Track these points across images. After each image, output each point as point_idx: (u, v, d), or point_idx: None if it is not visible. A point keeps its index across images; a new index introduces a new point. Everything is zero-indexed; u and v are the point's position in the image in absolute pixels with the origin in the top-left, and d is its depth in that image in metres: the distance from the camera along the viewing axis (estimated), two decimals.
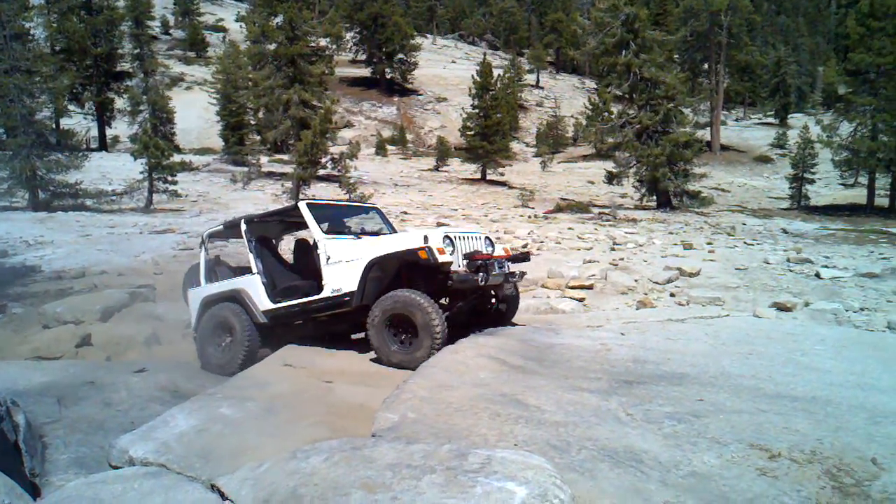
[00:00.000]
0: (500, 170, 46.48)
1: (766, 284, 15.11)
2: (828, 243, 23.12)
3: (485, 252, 8.36)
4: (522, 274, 8.93)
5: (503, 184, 45.33)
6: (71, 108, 42.95)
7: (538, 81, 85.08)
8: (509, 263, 8.55)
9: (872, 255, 19.62)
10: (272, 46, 40.51)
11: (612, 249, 19.55)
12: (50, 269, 16.76)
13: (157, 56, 59.68)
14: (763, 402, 5.33)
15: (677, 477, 4.07)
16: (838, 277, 15.40)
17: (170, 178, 30.26)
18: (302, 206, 8.79)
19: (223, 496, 3.69)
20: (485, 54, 55.07)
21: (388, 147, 58.06)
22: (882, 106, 34.92)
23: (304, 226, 10.80)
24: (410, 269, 7.95)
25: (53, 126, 31.18)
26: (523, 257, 9.01)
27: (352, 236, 8.82)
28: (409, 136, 64.19)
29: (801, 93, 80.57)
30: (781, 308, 12.77)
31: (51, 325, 11.74)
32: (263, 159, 42.24)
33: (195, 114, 55.45)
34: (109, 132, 50.56)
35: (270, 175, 40.16)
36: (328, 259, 8.23)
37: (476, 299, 8.79)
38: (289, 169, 37.78)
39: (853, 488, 3.97)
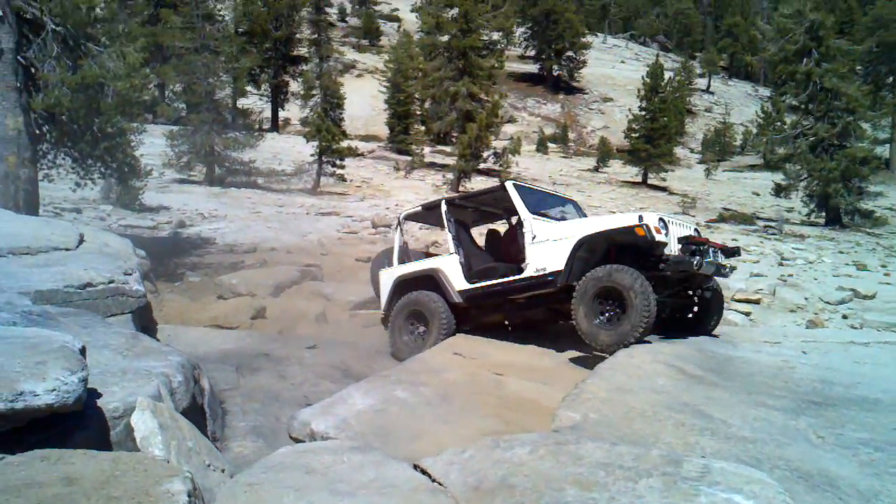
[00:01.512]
0: (662, 174, 45.47)
1: None
2: None
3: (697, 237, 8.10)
4: (733, 268, 8.57)
5: (664, 189, 44.36)
6: (248, 88, 44.66)
7: (709, 86, 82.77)
8: (722, 254, 8.27)
9: None
10: (445, 38, 40.87)
11: (780, 265, 18.86)
12: (223, 242, 17.54)
13: (333, 42, 61.26)
14: None
15: None
16: None
17: (338, 163, 31.09)
18: (509, 185, 8.80)
19: (431, 478, 3.71)
20: (657, 55, 54.02)
21: (550, 145, 57.75)
22: None
23: (497, 217, 10.91)
24: (621, 250, 7.74)
25: (230, 105, 32.43)
26: (734, 251, 8.60)
27: (554, 220, 8.75)
28: (571, 135, 63.59)
29: None
30: None
31: (226, 295, 12.28)
32: (426, 149, 42.80)
33: (364, 101, 56.66)
34: (282, 114, 52.30)
35: (432, 165, 40.66)
36: (533, 238, 8.14)
37: (679, 297, 8.53)
38: (450, 160, 38.12)
39: None
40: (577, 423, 4.85)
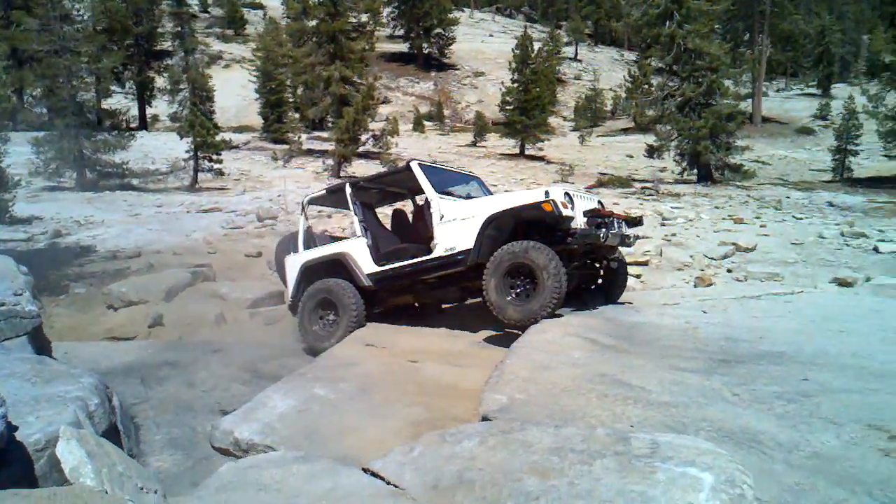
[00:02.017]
0: (539, 144, 46.08)
1: (824, 259, 14.93)
2: (878, 216, 22.77)
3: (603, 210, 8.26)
4: (637, 237, 8.79)
5: (542, 159, 44.97)
6: (113, 88, 43.25)
7: (576, 54, 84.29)
8: (626, 225, 8.43)
9: None
10: (313, 23, 40.35)
11: (662, 225, 19.37)
12: (104, 249, 16.94)
13: (197, 34, 59.81)
14: (871, 381, 5.26)
15: (801, 458, 4.03)
16: None
17: (215, 157, 30.40)
18: (414, 165, 8.79)
19: (386, 482, 3.68)
20: (525, 27, 54.53)
21: (426, 123, 57.84)
22: None
23: (401, 197, 10.89)
24: (528, 227, 7.81)
25: (94, 106, 31.27)
26: (638, 221, 8.86)
27: (460, 198, 8.78)
28: (446, 112, 63.83)
29: (845, 62, 79.06)
30: (842, 283, 12.60)
31: (116, 304, 11.88)
32: (303, 137, 42.27)
33: (234, 91, 55.55)
34: (149, 111, 50.79)
35: (310, 152, 40.17)
36: (441, 217, 8.16)
37: (585, 269, 8.68)
38: (328, 146, 37.76)
39: None
40: (505, 405, 4.90)
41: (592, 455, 3.42)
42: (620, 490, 3.12)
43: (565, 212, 7.40)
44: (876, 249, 15.38)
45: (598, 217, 7.80)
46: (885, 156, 42.71)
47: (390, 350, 7.43)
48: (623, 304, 8.91)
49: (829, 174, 40.10)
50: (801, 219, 21.10)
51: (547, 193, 7.51)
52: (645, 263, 14.44)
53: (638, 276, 13.51)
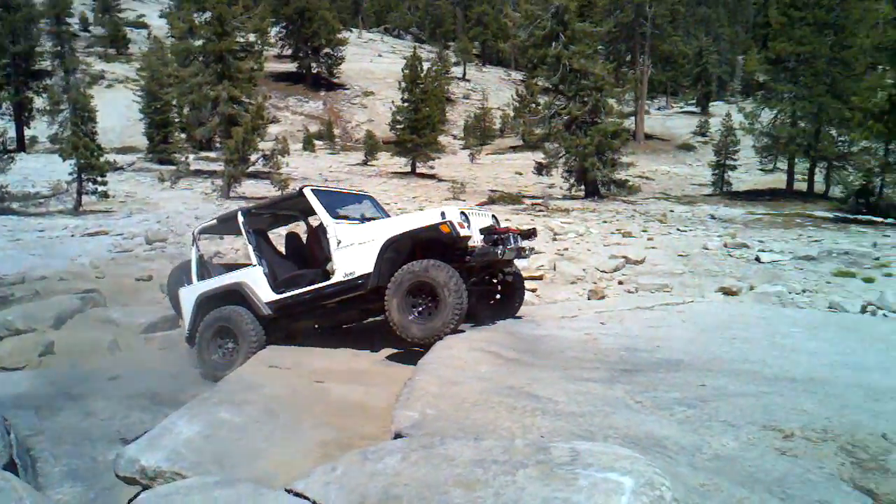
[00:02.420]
0: (430, 163, 46.44)
1: (710, 270, 15.49)
2: (757, 227, 23.76)
3: (498, 227, 8.38)
4: (532, 250, 8.94)
5: (433, 177, 45.31)
6: None
7: (465, 74, 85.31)
8: (520, 239, 8.56)
9: (802, 238, 20.23)
10: (199, 42, 39.71)
11: (554, 240, 19.76)
12: None
13: (78, 53, 58.10)
14: (764, 385, 5.50)
15: (703, 460, 4.19)
16: (777, 261, 15.88)
17: (99, 179, 29.52)
18: (307, 191, 8.69)
19: (313, 503, 3.64)
20: (415, 48, 54.92)
21: (316, 142, 57.61)
22: (801, 93, 35.92)
23: (293, 219, 10.79)
24: (426, 247, 7.84)
25: None
26: (531, 233, 8.96)
27: (356, 221, 8.74)
28: (336, 131, 63.70)
29: (722, 82, 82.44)
30: (728, 292, 13.13)
31: (1, 333, 11.38)
32: (191, 157, 41.47)
33: (117, 112, 54.19)
34: (27, 132, 48.96)
35: (198, 173, 39.47)
36: (339, 243, 8.11)
37: (484, 284, 8.80)
38: (216, 166, 37.25)
39: (870, 463, 4.15)
40: (417, 421, 4.92)
41: (515, 465, 3.47)
42: (545, 498, 3.18)
43: (462, 231, 7.50)
44: (757, 259, 16.05)
45: (494, 234, 7.93)
46: (761, 170, 44.63)
47: (295, 371, 7.35)
48: (523, 318, 9.06)
49: (709, 188, 41.63)
50: (685, 231, 21.84)
51: (443, 214, 7.59)
52: (540, 278, 14.70)
53: (533, 291, 13.73)
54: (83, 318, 12.15)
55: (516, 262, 8.81)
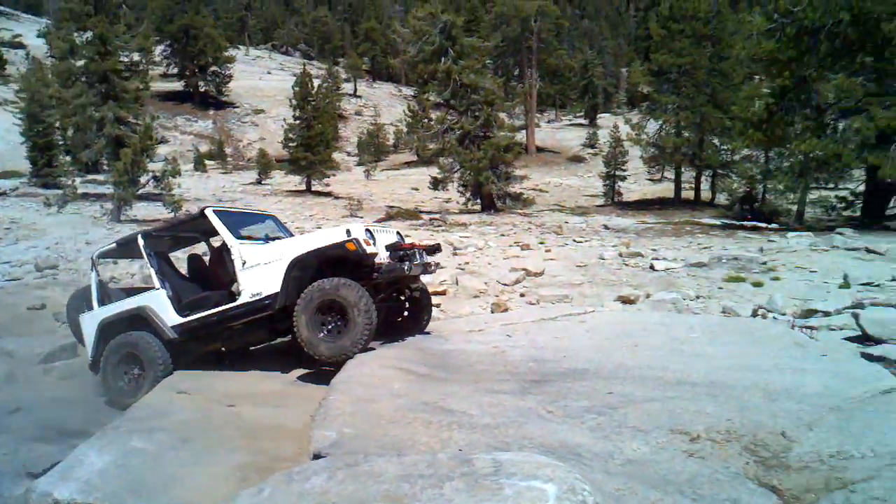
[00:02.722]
0: (325, 180, 46.31)
1: (607, 280, 15.87)
2: (649, 236, 24.46)
3: (404, 243, 8.45)
4: (437, 265, 9.05)
5: (329, 194, 45.17)
6: None
7: (356, 90, 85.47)
8: (426, 254, 8.63)
9: (693, 246, 20.93)
10: (81, 62, 38.70)
11: (455, 254, 19.93)
12: None
13: None
14: (668, 390, 5.74)
15: (617, 465, 4.36)
16: (671, 269, 16.38)
17: None
18: (209, 212, 8.60)
19: None
20: (304, 65, 54.70)
21: (207, 162, 56.74)
22: (684, 104, 37.21)
23: (194, 241, 10.64)
24: (334, 265, 7.83)
25: None
26: (436, 248, 9.08)
27: (260, 241, 8.69)
28: (227, 150, 62.84)
29: (608, 94, 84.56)
30: (626, 301, 13.48)
31: None
32: (77, 180, 40.31)
33: None
34: None
35: (86, 196, 38.40)
36: (244, 263, 8.04)
37: (391, 301, 8.86)
38: (105, 189, 36.29)
39: (773, 460, 4.40)
40: (336, 440, 4.96)
41: (440, 479, 3.54)
42: None
43: (368, 249, 7.56)
44: (652, 267, 16.53)
45: (400, 250, 8.04)
46: (650, 179, 46.06)
47: (204, 395, 7.26)
48: (431, 333, 9.17)
49: (601, 199, 42.67)
50: (581, 242, 22.33)
51: (349, 232, 7.64)
52: (443, 293, 14.82)
53: (438, 306, 13.82)
54: None
55: (422, 277, 8.93)
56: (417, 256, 8.22)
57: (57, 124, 44.02)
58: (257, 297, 7.92)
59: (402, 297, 9.17)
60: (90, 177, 42.63)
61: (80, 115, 37.91)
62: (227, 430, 6.19)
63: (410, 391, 6.06)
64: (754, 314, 11.41)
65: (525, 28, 58.51)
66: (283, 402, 6.96)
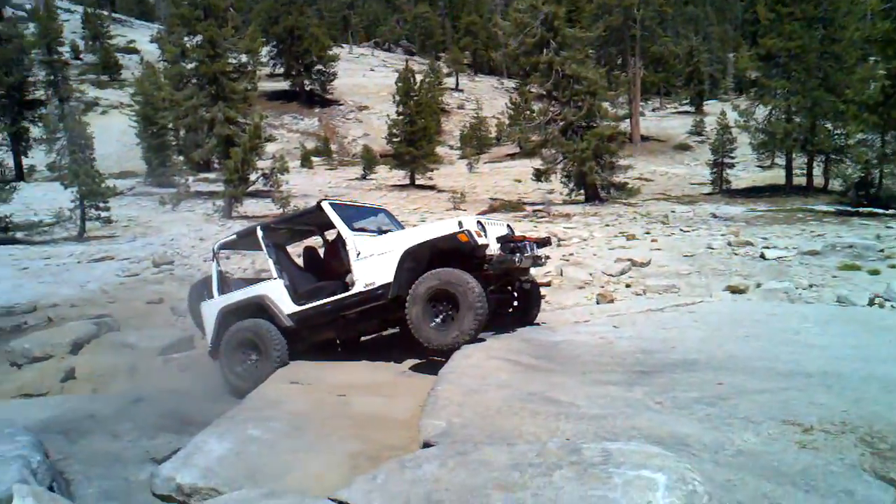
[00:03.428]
0: (428, 174, 46.65)
1: (716, 269, 15.59)
2: (759, 224, 23.88)
3: (515, 235, 8.53)
4: (547, 257, 9.11)
5: (432, 188, 45.50)
6: None
7: (457, 84, 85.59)
8: (535, 246, 8.69)
9: (805, 234, 20.34)
10: (192, 65, 39.87)
11: (559, 245, 19.85)
12: None
13: (71, 81, 58.32)
14: (780, 381, 5.63)
15: (727, 456, 4.31)
16: (782, 257, 15.97)
17: (102, 205, 29.68)
18: (325, 205, 8.87)
19: None
20: (406, 61, 55.28)
21: (314, 159, 57.80)
22: (795, 88, 36.00)
23: (310, 233, 10.96)
24: (445, 257, 7.95)
25: None
26: (545, 242, 9.14)
27: (373, 233, 8.91)
28: (333, 147, 64.00)
29: (714, 80, 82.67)
30: (735, 291, 13.23)
31: (20, 361, 11.53)
32: (190, 179, 41.65)
33: (114, 138, 54.40)
34: (25, 161, 49.14)
35: (199, 194, 39.67)
36: (358, 254, 8.28)
37: (502, 293, 8.93)
38: (216, 187, 37.40)
39: (890, 452, 4.27)
40: (445, 429, 5.05)
41: (550, 467, 3.59)
42: (582, 496, 3.31)
43: (480, 240, 7.65)
44: (762, 256, 16.16)
45: (511, 242, 8.08)
46: (759, 167, 44.78)
47: (316, 386, 7.47)
48: (538, 324, 9.19)
49: (708, 187, 41.72)
50: (688, 231, 21.95)
51: (461, 224, 7.74)
52: (548, 284, 14.81)
53: (543, 297, 13.85)
54: (99, 343, 12.29)
55: (532, 270, 8.95)
56: (528, 249, 8.25)
57: (170, 126, 45.59)
58: (371, 287, 8.11)
59: (513, 290, 9.22)
60: (202, 175, 44.00)
61: (191, 116, 39.02)
62: (338, 419, 6.36)
63: (517, 382, 6.12)
64: (871, 303, 11.07)
65: (628, 17, 57.62)
66: (393, 392, 7.10)
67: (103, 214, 29.78)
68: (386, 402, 6.73)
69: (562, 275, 15.58)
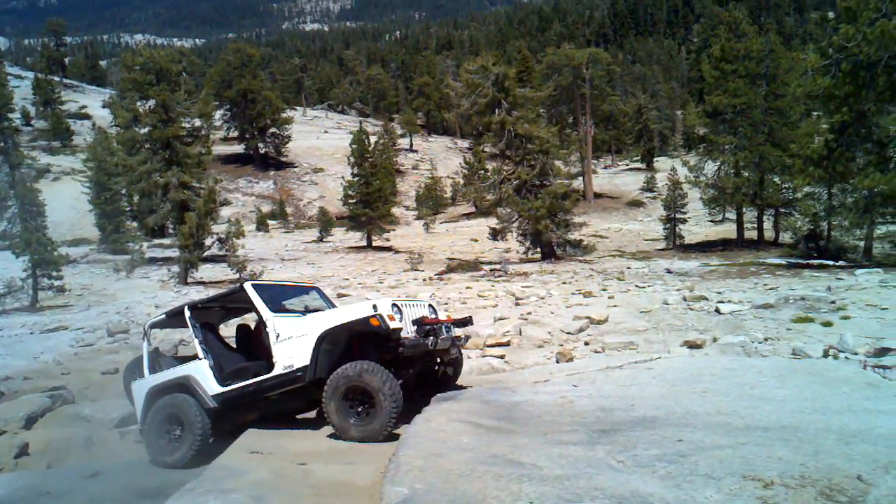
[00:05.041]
0: (385, 235, 46.82)
1: (672, 324, 15.70)
2: (713, 279, 24.21)
3: (430, 317, 8.59)
4: (467, 337, 9.21)
5: (389, 249, 45.64)
6: None
7: (412, 145, 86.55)
8: (453, 327, 8.79)
9: (759, 287, 20.62)
10: (145, 130, 39.85)
11: (517, 304, 19.92)
12: None
13: (21, 148, 57.81)
14: (739, 436, 5.68)
15: None
16: (737, 311, 16.15)
17: (55, 274, 29.26)
18: (248, 286, 8.94)
19: None
20: (360, 122, 55.74)
21: (270, 222, 57.82)
22: (742, 144, 36.92)
23: (245, 311, 10.91)
24: (362, 339, 8.07)
25: None
26: (466, 321, 9.28)
27: (297, 314, 8.94)
28: (288, 210, 64.10)
29: (664, 137, 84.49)
30: (692, 346, 13.31)
31: None
32: (144, 245, 41.35)
33: (66, 204, 53.97)
34: None
35: (153, 261, 39.33)
36: (278, 336, 8.31)
37: (423, 365, 8.96)
38: (171, 253, 37.21)
39: None
40: (407, 496, 5.02)
41: None
42: None
43: (392, 324, 7.75)
44: (717, 311, 16.32)
45: (425, 325, 8.22)
46: (711, 221, 45.58)
47: (277, 455, 7.39)
48: (497, 385, 9.22)
49: (662, 242, 42.34)
50: (644, 287, 22.16)
51: (375, 307, 7.88)
52: (507, 344, 14.82)
53: (502, 357, 13.85)
54: (54, 416, 12.01)
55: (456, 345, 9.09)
56: (444, 331, 8.40)
57: (123, 191, 45.38)
58: (290, 370, 8.17)
59: (438, 365, 9.38)
60: (157, 241, 43.72)
61: (145, 182, 38.92)
62: (301, 488, 6.28)
63: (479, 445, 6.11)
64: (825, 355, 11.22)
65: (577, 76, 58.87)
66: (354, 458, 7.04)
67: (56, 283, 29.31)
68: (347, 470, 6.67)
69: (521, 334, 15.60)
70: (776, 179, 37.35)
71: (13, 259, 30.34)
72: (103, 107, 78.91)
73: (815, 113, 36.47)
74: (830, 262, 26.73)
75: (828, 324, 14.03)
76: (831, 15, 39.82)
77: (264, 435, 8.31)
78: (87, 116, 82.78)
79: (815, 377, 7.85)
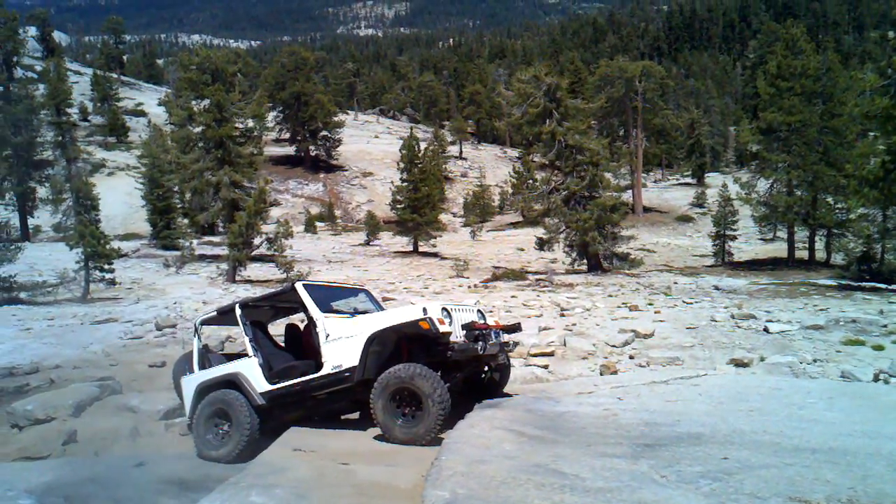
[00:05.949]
0: (431, 241, 46.87)
1: (719, 342, 15.53)
2: (762, 297, 23.87)
3: (480, 323, 8.59)
4: (515, 344, 9.20)
5: (435, 255, 45.68)
6: None
7: (461, 152, 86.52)
8: (503, 333, 8.78)
9: (808, 307, 20.30)
10: (199, 129, 40.38)
11: (562, 315, 19.81)
12: None
13: (78, 143, 58.90)
14: (786, 456, 5.63)
15: None
16: (786, 331, 15.93)
17: (106, 267, 29.72)
18: (299, 286, 9.01)
19: None
20: (411, 128, 55.93)
21: (318, 224, 58.14)
22: (795, 162, 36.32)
23: (293, 311, 11.00)
24: (410, 342, 8.13)
25: None
26: (514, 328, 9.26)
27: (346, 315, 8.98)
28: (337, 212, 64.50)
29: (716, 152, 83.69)
30: (739, 364, 13.16)
31: (21, 423, 11.46)
32: (194, 242, 41.81)
33: (119, 199, 54.84)
34: (31, 222, 49.43)
35: (203, 257, 39.78)
36: (327, 336, 8.36)
37: (471, 369, 8.97)
38: (220, 251, 37.54)
39: None
40: (448, 500, 5.03)
41: None
42: None
43: (442, 328, 7.78)
44: (766, 330, 16.11)
45: (474, 330, 8.23)
46: (761, 239, 44.96)
47: (319, 453, 7.45)
48: (541, 395, 9.21)
49: (711, 259, 41.85)
50: (691, 303, 21.92)
51: (425, 311, 7.90)
52: (551, 354, 14.77)
53: (545, 367, 13.82)
54: (101, 405, 12.21)
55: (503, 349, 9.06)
56: (493, 337, 8.41)
57: (175, 188, 45.88)
58: (338, 370, 8.22)
59: (485, 372, 9.37)
60: (206, 238, 44.22)
61: (197, 180, 39.42)
62: (342, 488, 6.32)
63: (521, 453, 6.12)
64: (875, 379, 11.03)
65: (630, 88, 58.47)
66: (396, 461, 7.07)
67: (107, 276, 29.75)
68: (389, 472, 6.71)
69: (565, 345, 15.53)
70: (829, 199, 36.75)
71: (67, 251, 30.89)
72: (159, 104, 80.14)
73: (871, 133, 35.74)
74: (883, 286, 26.24)
75: (879, 347, 13.79)
76: (891, 34, 39.19)
77: (307, 433, 8.39)
78: (142, 113, 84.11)
79: (864, 401, 7.75)
